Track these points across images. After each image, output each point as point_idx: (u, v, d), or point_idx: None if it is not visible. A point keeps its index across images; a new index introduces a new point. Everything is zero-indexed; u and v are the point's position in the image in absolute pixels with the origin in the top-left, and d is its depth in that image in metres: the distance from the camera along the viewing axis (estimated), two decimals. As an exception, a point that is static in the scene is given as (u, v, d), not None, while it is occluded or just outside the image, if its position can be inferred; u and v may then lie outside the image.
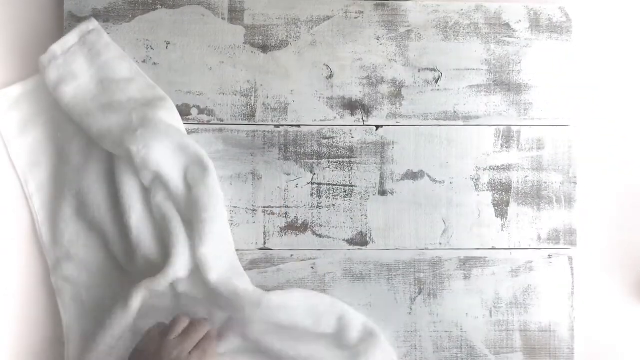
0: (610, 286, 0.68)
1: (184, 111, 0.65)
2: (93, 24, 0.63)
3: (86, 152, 0.63)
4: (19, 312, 0.65)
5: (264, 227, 0.65)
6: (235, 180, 0.65)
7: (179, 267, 0.59)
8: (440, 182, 0.66)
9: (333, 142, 0.66)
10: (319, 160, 0.66)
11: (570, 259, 0.66)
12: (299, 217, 0.65)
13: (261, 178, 0.65)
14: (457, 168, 0.66)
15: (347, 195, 0.66)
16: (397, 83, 0.66)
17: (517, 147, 0.66)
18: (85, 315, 0.63)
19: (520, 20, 0.66)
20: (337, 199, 0.66)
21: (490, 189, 0.66)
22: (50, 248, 0.63)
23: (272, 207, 0.65)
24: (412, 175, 0.66)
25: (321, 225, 0.65)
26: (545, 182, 0.66)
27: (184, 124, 0.65)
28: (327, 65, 0.66)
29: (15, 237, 0.65)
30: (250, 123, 0.65)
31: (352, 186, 0.66)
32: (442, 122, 0.66)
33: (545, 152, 0.66)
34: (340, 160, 0.66)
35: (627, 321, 0.68)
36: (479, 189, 0.66)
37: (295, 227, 0.65)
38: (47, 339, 0.65)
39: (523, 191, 0.66)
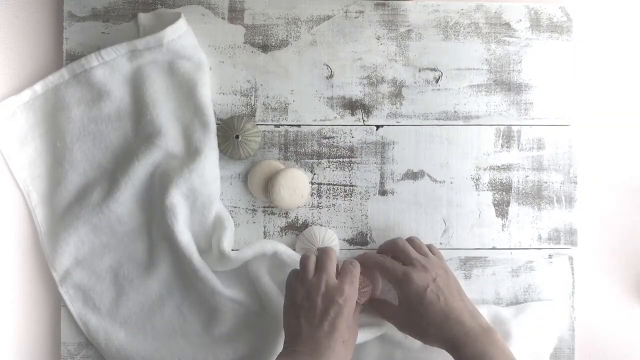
0: (610, 286, 0.68)
1: (184, 111, 0.65)
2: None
3: (88, 159, 0.63)
4: (22, 327, 0.64)
5: (264, 227, 0.65)
6: (235, 180, 0.65)
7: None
8: (440, 182, 0.66)
9: (333, 142, 0.66)
10: (319, 160, 0.65)
11: (570, 259, 0.66)
12: (299, 217, 0.65)
13: (261, 178, 0.65)
14: (457, 168, 0.66)
15: (347, 195, 0.66)
16: (398, 83, 0.66)
17: (518, 147, 0.66)
18: (101, 317, 0.63)
19: (520, 20, 0.66)
20: (337, 198, 0.66)
21: (490, 188, 0.66)
22: (55, 260, 0.62)
23: (272, 207, 0.65)
24: (413, 175, 0.66)
25: (321, 225, 0.65)
26: (546, 182, 0.66)
27: (184, 123, 0.65)
28: (327, 65, 0.66)
29: (18, 251, 0.64)
30: (251, 123, 0.65)
31: (352, 186, 0.66)
32: (442, 122, 0.66)
33: (545, 152, 0.66)
34: (341, 160, 0.66)
35: (627, 321, 0.68)
36: (479, 189, 0.66)
37: (295, 227, 0.65)
38: (48, 353, 0.65)
39: (523, 191, 0.66)
